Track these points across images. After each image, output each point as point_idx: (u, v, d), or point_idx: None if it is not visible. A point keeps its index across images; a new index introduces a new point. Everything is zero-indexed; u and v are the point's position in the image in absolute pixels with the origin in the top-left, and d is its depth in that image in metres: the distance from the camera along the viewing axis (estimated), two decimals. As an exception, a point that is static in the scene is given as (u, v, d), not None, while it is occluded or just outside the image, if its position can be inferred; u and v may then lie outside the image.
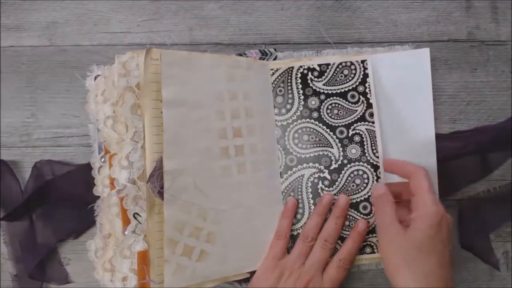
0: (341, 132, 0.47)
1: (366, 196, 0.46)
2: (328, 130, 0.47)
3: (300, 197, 0.46)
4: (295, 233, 0.46)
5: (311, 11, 0.51)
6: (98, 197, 0.46)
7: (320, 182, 0.46)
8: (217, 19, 0.51)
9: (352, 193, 0.46)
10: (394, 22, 0.51)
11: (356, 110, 0.47)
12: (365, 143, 0.47)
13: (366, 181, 0.46)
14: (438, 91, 0.50)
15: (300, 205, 0.46)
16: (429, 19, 0.51)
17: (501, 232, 0.50)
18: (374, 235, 0.46)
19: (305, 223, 0.46)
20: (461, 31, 0.51)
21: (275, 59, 0.48)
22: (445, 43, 0.51)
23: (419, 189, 0.41)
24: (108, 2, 0.50)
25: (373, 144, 0.46)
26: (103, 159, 0.45)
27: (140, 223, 0.41)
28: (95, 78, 0.47)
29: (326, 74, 0.47)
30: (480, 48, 0.51)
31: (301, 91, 0.47)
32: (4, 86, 0.49)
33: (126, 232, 0.41)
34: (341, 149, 0.47)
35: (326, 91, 0.47)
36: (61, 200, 0.47)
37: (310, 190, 0.46)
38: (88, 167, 0.47)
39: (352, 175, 0.46)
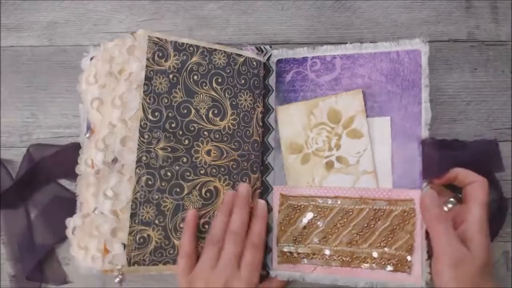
0: None
1: None
2: None
3: None
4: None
5: (311, 11, 0.51)
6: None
7: None
8: (217, 19, 0.51)
9: None
10: (394, 22, 0.51)
11: None
12: None
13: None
14: (438, 91, 0.50)
15: None
16: (429, 19, 0.51)
17: (501, 232, 0.49)
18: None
19: None
20: (461, 31, 0.51)
21: (270, 56, 0.48)
22: (445, 43, 0.51)
23: (472, 199, 0.40)
24: (108, 2, 0.50)
25: None
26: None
27: None
28: (91, 59, 0.47)
29: None
30: (480, 48, 0.51)
31: None
32: (4, 86, 0.49)
33: (96, 212, 0.40)
34: None
35: None
36: (51, 179, 0.47)
37: None
38: (75, 146, 0.45)
39: None
